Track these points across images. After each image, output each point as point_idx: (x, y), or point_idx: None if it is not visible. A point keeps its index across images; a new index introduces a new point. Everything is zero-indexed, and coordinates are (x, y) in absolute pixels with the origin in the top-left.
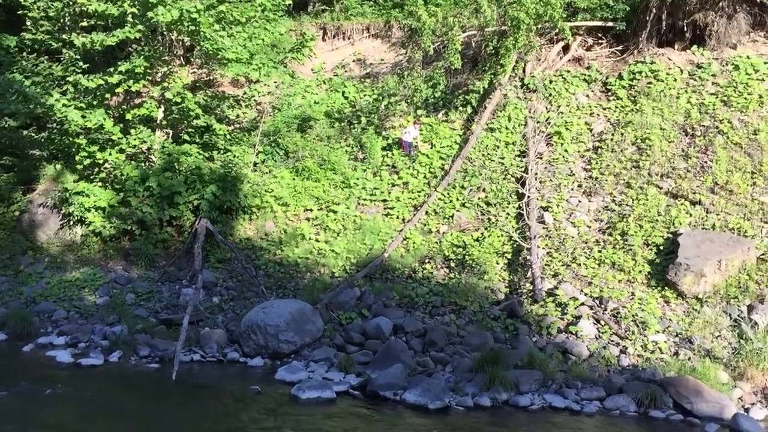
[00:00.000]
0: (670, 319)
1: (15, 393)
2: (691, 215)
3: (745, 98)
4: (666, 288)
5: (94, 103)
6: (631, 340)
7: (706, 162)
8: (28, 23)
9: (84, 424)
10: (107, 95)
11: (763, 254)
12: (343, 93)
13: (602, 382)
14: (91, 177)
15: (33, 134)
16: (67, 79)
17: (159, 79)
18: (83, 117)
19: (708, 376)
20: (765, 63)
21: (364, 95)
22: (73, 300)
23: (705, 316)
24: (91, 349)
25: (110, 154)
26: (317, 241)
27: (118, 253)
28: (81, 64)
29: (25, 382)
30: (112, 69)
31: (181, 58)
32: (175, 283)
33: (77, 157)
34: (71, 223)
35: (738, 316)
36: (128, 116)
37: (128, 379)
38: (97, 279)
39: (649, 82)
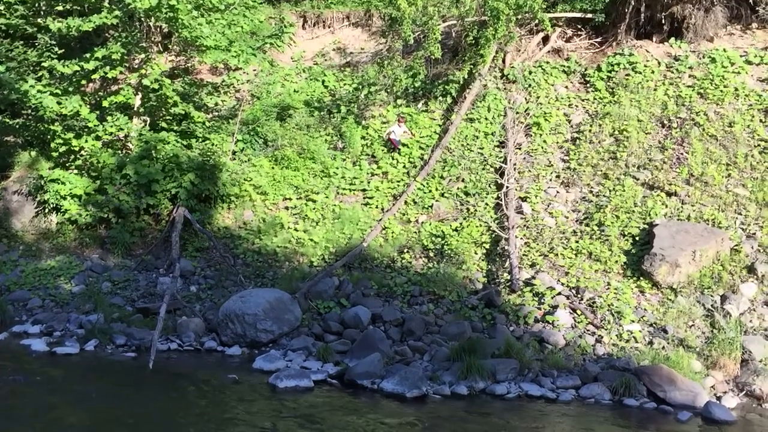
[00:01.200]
0: (645, 309)
1: None
2: (666, 206)
3: (721, 91)
4: (641, 278)
5: (70, 89)
6: (606, 329)
7: (682, 154)
8: (2, 7)
9: (59, 412)
10: (83, 82)
11: (736, 245)
12: (323, 82)
13: (578, 370)
14: (67, 164)
15: (7, 120)
16: (42, 64)
17: (136, 66)
18: (58, 103)
19: (681, 364)
20: (741, 56)
21: (344, 84)
22: (48, 288)
23: (679, 305)
24: (67, 338)
25: (86, 141)
26: (296, 230)
27: (95, 241)
28: (56, 49)
29: None
30: (88, 55)
31: (159, 44)
32: (152, 272)
33: (52, 144)
34: (46, 210)
35: (711, 305)
36: (105, 103)
37: (104, 367)
38: (73, 267)
39: (627, 74)
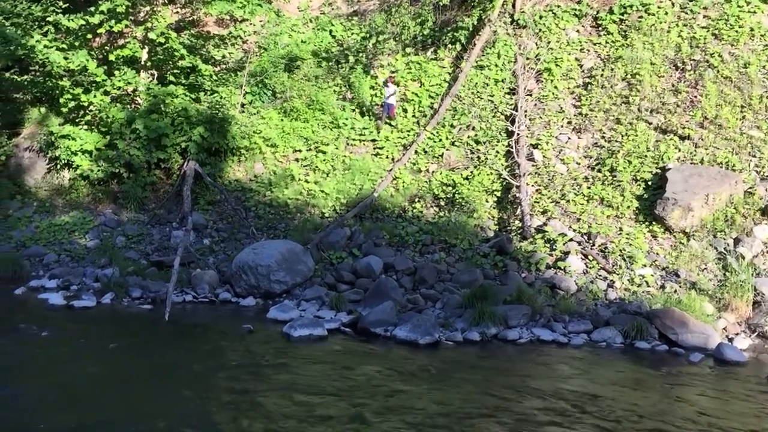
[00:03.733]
0: (657, 253)
1: (9, 335)
2: (679, 150)
3: (736, 31)
4: (654, 223)
5: (76, 44)
6: (618, 274)
7: (695, 96)
8: None
9: (78, 364)
10: (89, 36)
11: (750, 188)
12: (331, 32)
13: (589, 315)
14: (77, 120)
15: (16, 77)
16: (47, 19)
17: (142, 19)
18: (65, 58)
19: (693, 307)
20: None
21: (352, 34)
22: (63, 243)
23: (692, 249)
24: (84, 292)
25: (95, 96)
26: (307, 181)
27: (107, 196)
28: (60, 3)
29: (19, 325)
30: (93, 9)
31: None
32: (165, 226)
33: (61, 100)
34: (58, 167)
35: (724, 249)
36: (111, 57)
37: (121, 320)
38: (87, 222)
39: (640, 16)
